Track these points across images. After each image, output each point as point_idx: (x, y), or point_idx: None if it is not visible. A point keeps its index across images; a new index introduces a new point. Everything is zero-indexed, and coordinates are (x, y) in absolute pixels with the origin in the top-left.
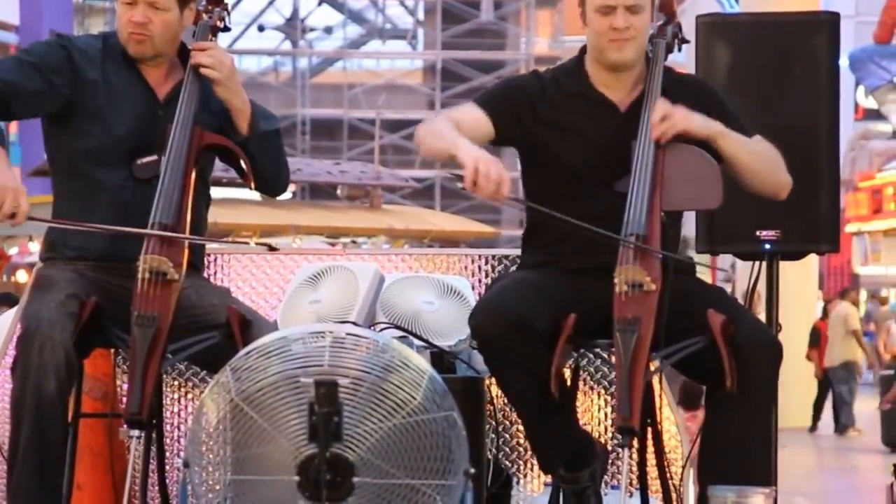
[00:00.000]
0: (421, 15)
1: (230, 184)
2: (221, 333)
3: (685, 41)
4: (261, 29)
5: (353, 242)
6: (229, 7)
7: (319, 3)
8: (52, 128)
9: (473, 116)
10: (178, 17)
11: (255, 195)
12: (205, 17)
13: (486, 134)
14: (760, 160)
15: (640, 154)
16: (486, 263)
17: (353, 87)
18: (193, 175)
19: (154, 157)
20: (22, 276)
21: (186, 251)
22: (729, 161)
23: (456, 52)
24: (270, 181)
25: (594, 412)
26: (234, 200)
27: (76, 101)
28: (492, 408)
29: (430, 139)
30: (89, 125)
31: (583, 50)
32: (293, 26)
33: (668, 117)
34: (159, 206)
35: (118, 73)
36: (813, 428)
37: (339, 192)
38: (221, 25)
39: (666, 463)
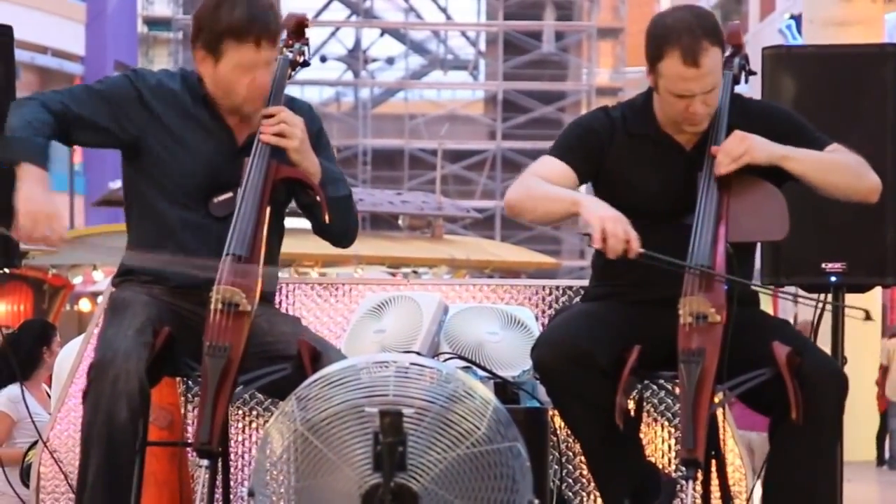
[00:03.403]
0: (482, 46)
1: (292, 213)
2: (293, 365)
3: (752, 73)
4: (323, 60)
5: (414, 273)
6: (309, 42)
7: (381, 34)
8: (129, 168)
9: (557, 170)
10: None
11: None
12: (285, 51)
13: (571, 185)
14: (836, 173)
15: (705, 186)
16: (550, 294)
17: (414, 117)
18: (269, 208)
19: (230, 195)
20: (85, 305)
21: (259, 282)
22: (801, 180)
23: (517, 83)
24: (336, 238)
25: (657, 444)
26: (295, 230)
27: (149, 141)
28: (555, 438)
29: (536, 204)
30: (166, 166)
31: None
32: (355, 57)
33: (729, 155)
34: (234, 237)
35: (197, 113)
36: (881, 462)
37: (400, 222)
38: (301, 60)
39: (730, 495)
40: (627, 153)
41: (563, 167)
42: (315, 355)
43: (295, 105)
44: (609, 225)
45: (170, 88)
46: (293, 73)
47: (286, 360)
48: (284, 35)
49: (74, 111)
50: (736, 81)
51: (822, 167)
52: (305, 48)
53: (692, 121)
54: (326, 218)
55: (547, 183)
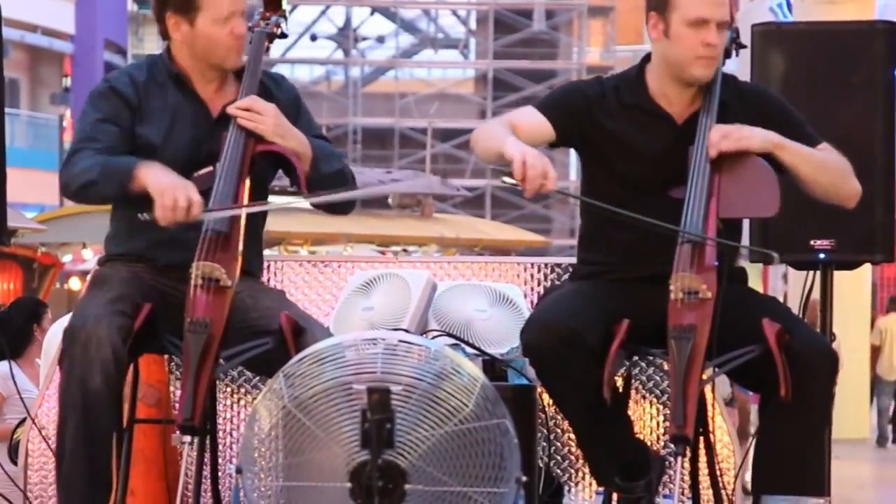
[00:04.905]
0: (473, 24)
1: (282, 192)
2: (275, 340)
3: (742, 46)
4: (313, 38)
5: (404, 251)
6: (287, 14)
7: (372, 13)
8: None
9: (533, 120)
10: None
11: (307, 203)
12: (262, 23)
13: (546, 137)
14: (824, 171)
15: (697, 160)
16: (539, 271)
17: (404, 96)
18: (248, 182)
19: (210, 169)
20: (75, 284)
21: (240, 258)
22: (790, 172)
23: (508, 62)
24: (337, 212)
25: (646, 421)
26: (285, 208)
27: (137, 135)
28: (543, 416)
29: (482, 139)
30: (148, 147)
31: (645, 59)
32: (345, 36)
33: (727, 137)
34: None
35: (169, 93)
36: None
37: (390, 200)
38: (278, 32)
39: (719, 472)
40: (617, 122)
41: (539, 119)
42: (297, 329)
43: (267, 77)
44: (529, 158)
45: (138, 80)
46: (270, 45)
47: (271, 335)
48: (261, 8)
49: (115, 149)
50: (727, 55)
51: (813, 163)
52: (282, 21)
53: (704, 57)
54: (304, 191)
55: (511, 126)
